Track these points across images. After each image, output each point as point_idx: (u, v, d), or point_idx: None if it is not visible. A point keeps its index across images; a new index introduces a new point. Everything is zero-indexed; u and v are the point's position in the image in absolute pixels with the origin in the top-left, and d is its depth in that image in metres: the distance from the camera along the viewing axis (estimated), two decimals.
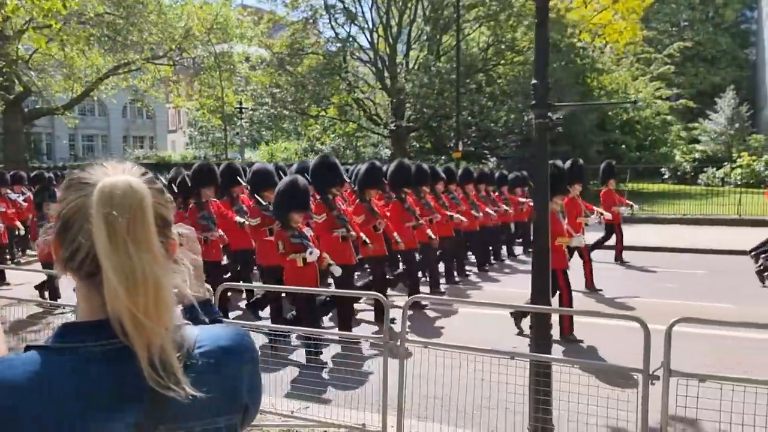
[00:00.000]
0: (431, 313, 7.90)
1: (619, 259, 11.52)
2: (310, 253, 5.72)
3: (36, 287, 8.41)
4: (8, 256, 12.57)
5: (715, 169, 27.32)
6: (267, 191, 6.99)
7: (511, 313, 6.72)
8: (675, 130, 29.58)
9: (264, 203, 6.90)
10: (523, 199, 12.48)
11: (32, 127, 40.48)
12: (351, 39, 29.08)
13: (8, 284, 10.29)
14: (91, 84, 28.23)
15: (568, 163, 8.29)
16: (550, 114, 3.69)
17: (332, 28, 27.93)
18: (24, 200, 13.33)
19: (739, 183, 23.44)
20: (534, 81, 3.87)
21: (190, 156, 37.83)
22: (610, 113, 26.50)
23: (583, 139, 23.05)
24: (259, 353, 1.20)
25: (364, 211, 7.24)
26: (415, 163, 9.03)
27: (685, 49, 43.09)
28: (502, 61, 28.06)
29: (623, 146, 25.49)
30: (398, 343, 3.87)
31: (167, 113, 53.35)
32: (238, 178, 8.23)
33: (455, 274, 10.01)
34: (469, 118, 25.58)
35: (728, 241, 13.41)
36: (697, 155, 30.95)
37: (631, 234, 12.84)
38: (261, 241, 7.02)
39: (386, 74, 27.91)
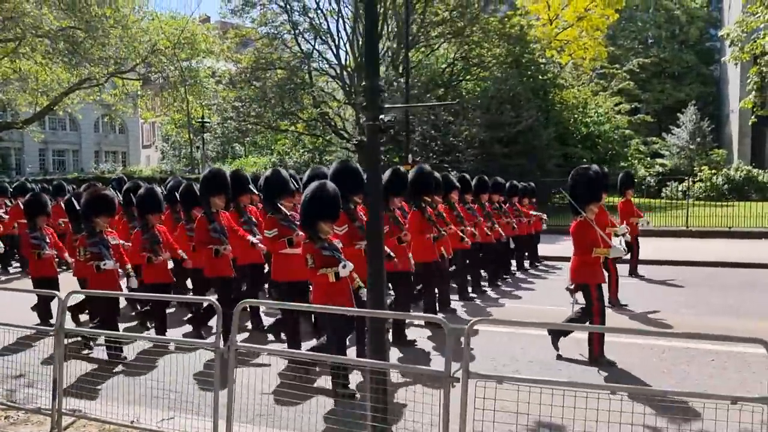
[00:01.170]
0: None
1: (634, 272, 10.82)
2: (344, 267, 5.09)
3: (71, 309, 7.43)
4: None
5: (677, 183, 27.75)
6: (283, 200, 6.55)
7: (550, 331, 6.11)
8: (634, 144, 30.07)
9: (282, 212, 6.41)
10: (534, 212, 12.06)
11: (0, 141, 40.25)
12: (318, 54, 29.35)
13: None
14: (56, 98, 28.13)
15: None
16: (381, 117, 3.76)
17: (297, 43, 28.09)
18: (5, 213, 12.85)
19: (701, 196, 23.92)
20: (364, 83, 3.93)
21: (162, 171, 37.73)
22: (569, 127, 26.87)
23: (542, 152, 23.33)
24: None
25: (387, 222, 6.51)
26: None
27: (650, 66, 43.98)
28: (468, 77, 28.46)
29: (584, 160, 25.80)
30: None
31: (140, 128, 53.21)
32: (248, 186, 7.70)
33: (469, 289, 9.32)
34: (432, 131, 25.79)
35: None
36: (659, 169, 31.44)
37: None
38: (277, 254, 6.37)
39: (352, 90, 28.13)
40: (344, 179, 6.00)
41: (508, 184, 11.37)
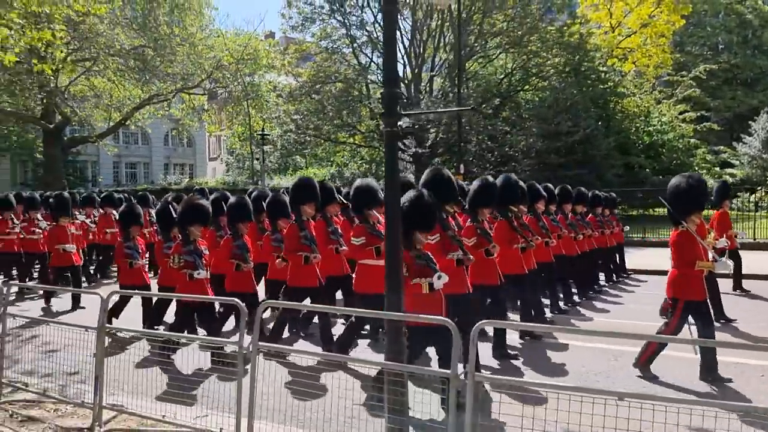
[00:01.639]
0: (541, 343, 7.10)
1: (738, 287, 10.31)
2: (439, 278, 4.93)
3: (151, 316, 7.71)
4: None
5: (748, 193, 26.54)
6: (372, 210, 6.53)
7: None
8: (700, 154, 28.90)
9: (371, 221, 6.44)
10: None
11: (78, 155, 42.58)
12: (376, 67, 29.79)
13: (83, 307, 9.82)
14: (127, 113, 29.52)
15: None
16: (400, 123, 3.85)
17: (355, 56, 28.59)
18: (93, 222, 13.27)
19: None
20: (382, 90, 4.00)
21: (225, 183, 38.98)
22: (631, 137, 26.16)
23: (601, 162, 22.82)
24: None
25: (475, 233, 6.43)
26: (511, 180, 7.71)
27: (720, 72, 42.20)
28: (526, 87, 28.17)
29: (646, 170, 25.06)
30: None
31: (207, 141, 55.16)
32: (334, 196, 7.74)
33: (561, 302, 9.04)
34: (489, 142, 25.69)
35: None
36: (729, 179, 30.11)
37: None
38: (361, 265, 6.31)
39: (409, 101, 28.35)
40: (437, 187, 5.85)
41: (590, 194, 10.86)
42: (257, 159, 34.61)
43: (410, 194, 5.31)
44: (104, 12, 22.98)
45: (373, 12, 28.82)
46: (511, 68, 28.45)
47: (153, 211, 11.83)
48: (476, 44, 27.75)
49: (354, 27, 27.96)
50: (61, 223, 10.42)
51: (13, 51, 11.84)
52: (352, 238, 6.46)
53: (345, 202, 7.92)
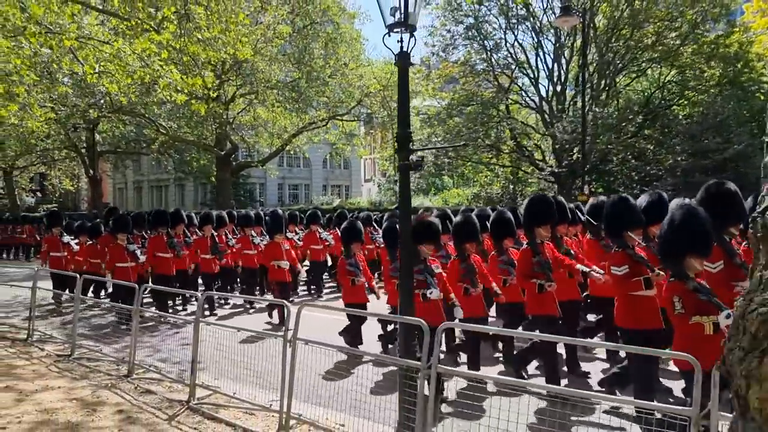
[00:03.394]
0: None
1: None
2: (727, 317, 3.99)
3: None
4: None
5: None
6: (632, 231, 5.56)
7: None
8: None
9: (630, 247, 5.51)
10: None
11: (248, 177, 47.21)
12: (518, 87, 30.04)
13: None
14: (286, 140, 32.44)
15: None
16: (412, 157, 4.47)
17: (495, 78, 29.04)
18: (299, 239, 13.54)
19: None
20: (398, 130, 4.65)
21: (372, 203, 41.09)
22: None
23: (757, 182, 20.98)
24: None
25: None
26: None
27: None
28: (680, 101, 26.69)
29: None
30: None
31: (363, 164, 58.29)
32: (567, 214, 7.20)
33: None
34: (633, 160, 24.80)
35: None
36: None
37: None
38: (626, 297, 5.37)
39: (550, 119, 28.16)
40: (621, 212, 5.47)
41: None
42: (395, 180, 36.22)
43: (678, 214, 4.60)
44: (267, 54, 25.91)
45: (514, 33, 29.20)
46: (663, 81, 27.16)
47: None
48: (626, 57, 26.79)
49: (493, 50, 28.46)
50: (276, 240, 10.66)
51: (183, 92, 14.01)
52: (612, 268, 5.51)
53: (592, 222, 7.12)
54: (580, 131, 24.22)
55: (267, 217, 12.16)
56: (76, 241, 12.84)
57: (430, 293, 6.04)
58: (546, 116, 28.90)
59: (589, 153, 25.08)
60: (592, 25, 26.79)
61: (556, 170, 24.60)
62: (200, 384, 5.81)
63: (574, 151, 26.24)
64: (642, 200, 6.37)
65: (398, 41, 4.37)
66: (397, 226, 6.79)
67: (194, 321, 5.83)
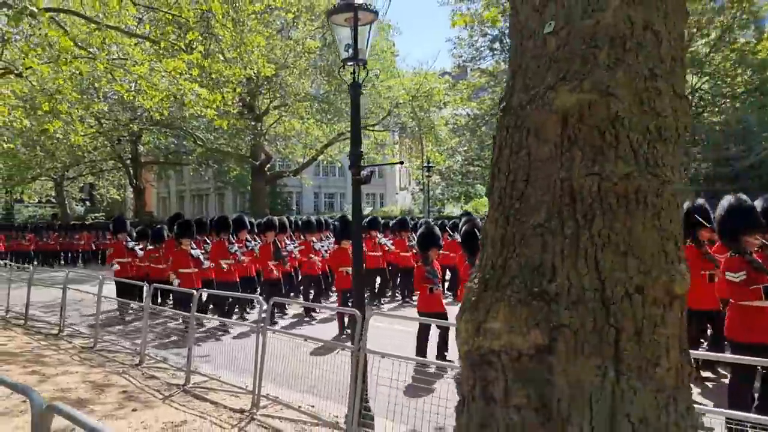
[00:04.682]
0: None
1: None
2: None
3: None
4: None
5: None
6: (748, 235, 5.28)
7: None
8: None
9: (748, 252, 5.19)
10: None
11: (285, 186, 48.53)
12: None
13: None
14: (317, 150, 33.46)
15: None
16: (363, 173, 5.13)
17: None
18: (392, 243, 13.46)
19: None
20: (351, 149, 5.31)
21: (402, 211, 41.81)
22: None
23: None
24: None
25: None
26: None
27: None
28: (712, 107, 26.59)
29: None
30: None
31: (398, 173, 59.06)
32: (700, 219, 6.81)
33: None
34: None
35: None
36: None
37: None
38: (738, 306, 5.14)
39: None
40: (736, 217, 5.34)
41: None
42: (424, 188, 36.80)
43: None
44: (298, 68, 26.98)
45: None
46: (693, 88, 27.12)
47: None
48: None
49: None
50: (344, 246, 10.33)
51: (211, 108, 14.98)
52: (727, 274, 5.26)
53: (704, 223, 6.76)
54: None
55: (335, 223, 11.87)
56: (140, 246, 12.83)
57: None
58: None
59: None
60: None
61: None
62: (195, 371, 6.56)
63: None
64: (760, 203, 5.91)
65: (351, 73, 5.07)
66: (475, 230, 7.12)
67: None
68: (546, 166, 1.92)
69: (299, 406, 5.67)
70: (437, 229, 8.47)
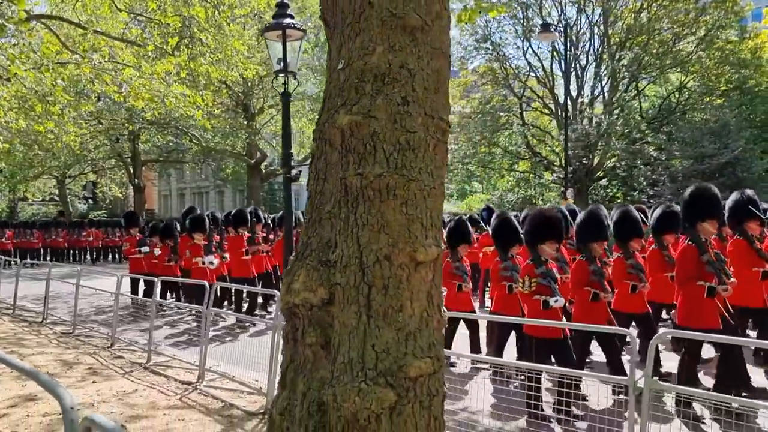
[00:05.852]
0: None
1: None
2: None
3: None
4: None
5: None
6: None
7: None
8: None
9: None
10: None
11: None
12: (533, 93, 30.94)
13: None
14: (312, 149, 34.17)
15: None
16: (294, 172, 5.79)
17: (509, 86, 30.01)
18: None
19: None
20: (282, 150, 5.99)
21: None
22: None
23: (754, 186, 21.42)
24: None
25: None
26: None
27: None
28: (696, 105, 27.10)
29: None
30: None
31: None
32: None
33: None
34: (642, 166, 25.45)
35: None
36: None
37: None
38: None
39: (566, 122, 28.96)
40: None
41: None
42: None
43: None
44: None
45: (529, 41, 30.12)
46: (679, 87, 27.66)
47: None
48: (648, 64, 27.09)
49: (503, 59, 29.47)
50: None
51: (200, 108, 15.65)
52: None
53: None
54: (590, 136, 25.14)
55: None
56: (150, 242, 12.49)
57: (555, 302, 5.34)
58: (561, 120, 29.68)
59: (604, 155, 25.87)
60: (606, 32, 27.54)
61: (565, 175, 25.40)
62: (154, 350, 7.25)
63: (596, 153, 26.95)
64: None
65: (282, 83, 5.74)
66: (511, 225, 6.88)
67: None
68: (335, 167, 2.60)
69: (233, 377, 6.32)
70: (467, 224, 7.78)
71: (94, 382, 6.20)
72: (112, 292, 8.37)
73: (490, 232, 7.82)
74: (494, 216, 8.81)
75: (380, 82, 2.49)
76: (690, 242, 5.52)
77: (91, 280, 9.37)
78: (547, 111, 30.89)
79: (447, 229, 7.84)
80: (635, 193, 26.29)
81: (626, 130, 24.03)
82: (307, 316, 2.55)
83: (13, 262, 15.13)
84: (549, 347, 5.25)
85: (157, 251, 12.11)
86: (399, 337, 2.42)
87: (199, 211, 13.20)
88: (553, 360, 5.24)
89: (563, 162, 28.60)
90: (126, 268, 12.52)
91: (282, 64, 5.49)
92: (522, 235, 6.54)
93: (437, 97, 2.61)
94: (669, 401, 5.26)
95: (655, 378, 3.87)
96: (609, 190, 30.57)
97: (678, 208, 6.72)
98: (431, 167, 2.56)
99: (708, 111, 23.94)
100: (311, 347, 2.54)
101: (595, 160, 27.04)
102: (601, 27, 28.35)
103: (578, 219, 6.09)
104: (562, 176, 27.42)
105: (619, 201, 28.38)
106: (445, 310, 2.74)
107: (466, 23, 8.87)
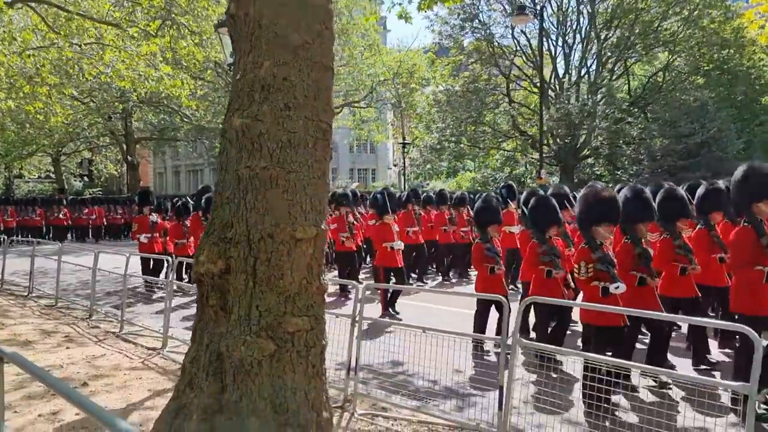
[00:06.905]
0: None
1: None
2: None
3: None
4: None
5: None
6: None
7: None
8: None
9: None
10: None
11: None
12: (520, 71, 31.30)
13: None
14: None
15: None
16: None
17: (496, 64, 30.33)
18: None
19: None
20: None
21: (385, 186, 42.96)
22: None
23: (729, 165, 21.95)
24: None
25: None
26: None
27: None
28: (679, 83, 27.46)
29: None
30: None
31: (391, 149, 60.19)
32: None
33: None
34: (624, 146, 25.93)
35: None
36: None
37: None
38: None
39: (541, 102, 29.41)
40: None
41: None
42: (413, 165, 37.92)
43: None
44: None
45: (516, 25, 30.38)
46: (665, 65, 27.99)
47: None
48: (633, 43, 27.37)
49: (488, 38, 29.78)
50: (386, 221, 9.46)
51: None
52: None
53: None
54: (571, 116, 25.58)
55: (378, 195, 10.07)
56: (157, 218, 12.22)
57: (616, 288, 5.01)
58: (550, 99, 30.08)
59: (589, 135, 26.35)
60: (593, 11, 27.82)
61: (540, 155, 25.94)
62: (128, 320, 7.85)
63: (583, 133, 27.42)
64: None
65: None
66: (550, 204, 6.60)
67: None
68: (233, 161, 3.13)
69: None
70: (496, 202, 7.43)
71: (68, 348, 6.77)
72: (102, 269, 8.90)
73: (526, 211, 7.32)
74: (525, 194, 8.52)
75: (266, 91, 3.01)
76: (746, 223, 5.21)
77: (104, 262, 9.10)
78: (535, 90, 31.27)
79: (475, 209, 7.50)
80: (619, 172, 26.84)
81: (609, 111, 24.41)
82: (210, 284, 3.10)
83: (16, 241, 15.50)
84: (608, 336, 5.02)
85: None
86: (280, 300, 2.99)
87: (191, 192, 13.32)
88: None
89: (548, 140, 29.15)
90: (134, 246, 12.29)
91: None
92: (559, 216, 6.54)
93: (317, 102, 3.13)
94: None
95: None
96: (596, 169, 31.10)
97: (722, 184, 6.68)
98: (311, 161, 3.10)
99: (690, 92, 24.31)
100: (213, 308, 3.10)
101: (581, 140, 27.56)
102: (588, 6, 28.61)
103: (622, 198, 5.64)
104: (546, 155, 27.95)
105: (605, 179, 28.94)
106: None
107: (425, 11, 9.20)
